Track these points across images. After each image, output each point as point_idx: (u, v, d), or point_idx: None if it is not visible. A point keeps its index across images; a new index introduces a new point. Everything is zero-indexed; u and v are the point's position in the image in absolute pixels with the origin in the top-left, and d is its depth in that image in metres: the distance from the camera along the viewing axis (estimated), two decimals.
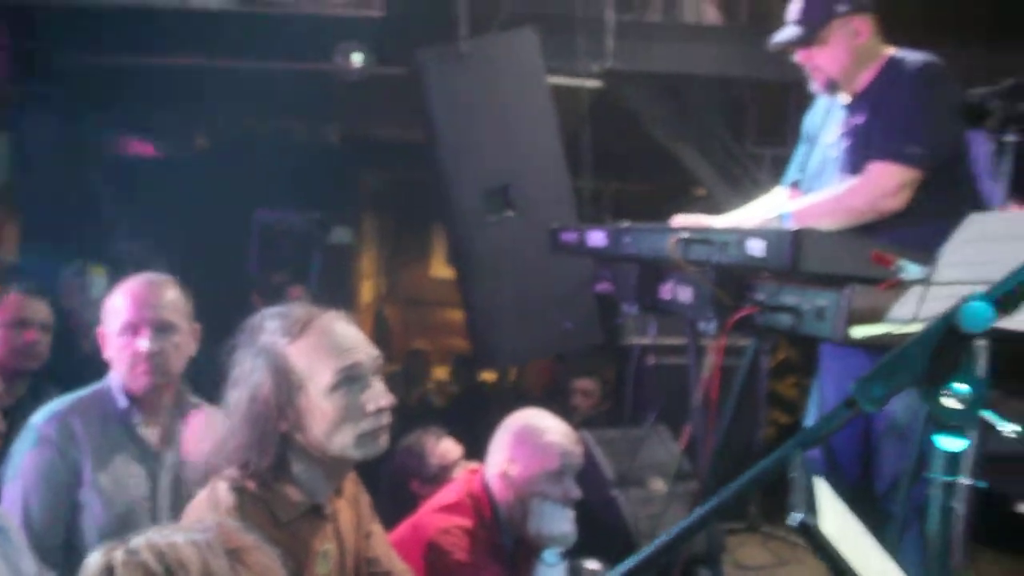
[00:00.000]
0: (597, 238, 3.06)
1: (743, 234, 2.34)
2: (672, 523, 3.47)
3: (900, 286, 1.97)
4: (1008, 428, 1.00)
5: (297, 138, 8.82)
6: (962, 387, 0.89)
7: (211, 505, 2.04)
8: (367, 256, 10.84)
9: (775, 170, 4.62)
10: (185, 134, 7.87)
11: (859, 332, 2.26)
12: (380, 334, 10.34)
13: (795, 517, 0.76)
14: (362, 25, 5.71)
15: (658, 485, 4.04)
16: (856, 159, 3.27)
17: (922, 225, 2.65)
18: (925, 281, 1.91)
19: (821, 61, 3.33)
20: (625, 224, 3.11)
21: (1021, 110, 2.79)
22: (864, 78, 3.33)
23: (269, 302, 2.38)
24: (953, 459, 0.92)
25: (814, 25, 3.30)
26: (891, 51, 3.34)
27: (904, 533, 3.24)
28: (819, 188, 3.40)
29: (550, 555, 3.08)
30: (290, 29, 5.65)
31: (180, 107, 6.77)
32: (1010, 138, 2.79)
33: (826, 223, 3.08)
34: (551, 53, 5.24)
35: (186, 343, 2.74)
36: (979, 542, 4.74)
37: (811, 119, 3.66)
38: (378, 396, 2.14)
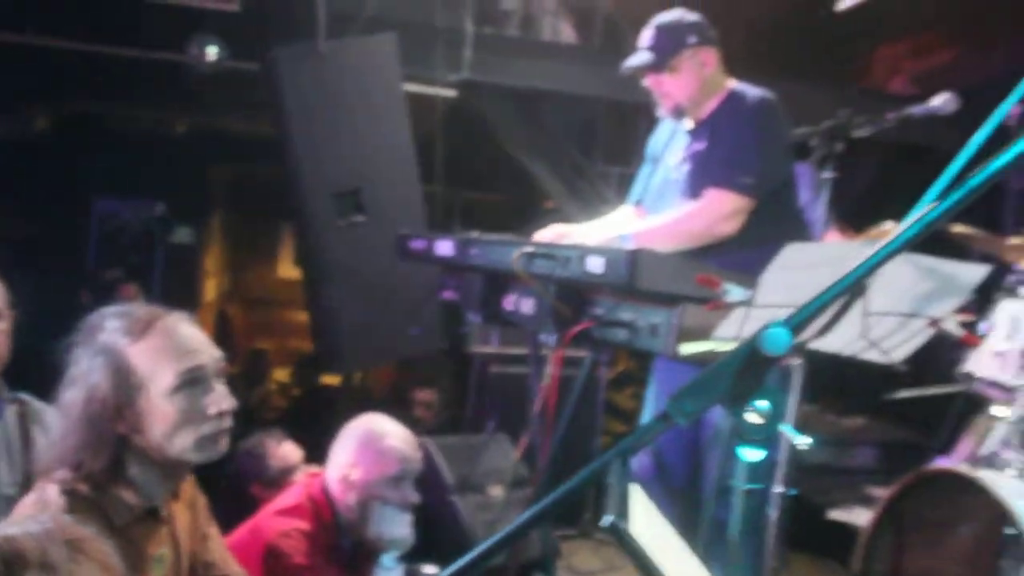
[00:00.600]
0: (445, 247, 3.12)
1: (584, 251, 2.45)
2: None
3: (725, 307, 2.11)
4: (800, 440, 1.11)
5: (144, 126, 8.53)
6: (763, 404, 0.99)
7: (39, 509, 1.98)
8: (212, 253, 10.56)
9: (622, 188, 4.80)
10: (25, 114, 7.48)
11: (687, 349, 2.40)
12: (222, 334, 10.09)
13: (607, 519, 0.83)
14: (218, 17, 5.61)
15: (496, 491, 4.13)
16: (695, 184, 3.46)
17: (751, 250, 2.84)
18: (747, 303, 2.05)
19: (670, 88, 3.53)
20: (473, 235, 3.18)
21: (837, 150, 3.02)
22: (708, 107, 3.55)
23: (99, 299, 2.34)
24: (755, 468, 1.02)
25: (665, 53, 3.49)
26: (733, 83, 3.58)
27: (728, 538, 3.44)
28: (661, 208, 3.57)
29: (388, 559, 3.12)
30: (145, 16, 5.49)
31: (22, 85, 6.45)
32: (827, 175, 3.01)
33: (664, 245, 3.25)
34: (409, 60, 5.27)
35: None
36: (794, 547, 5.05)
37: (655, 141, 3.84)
38: (220, 399, 2.14)
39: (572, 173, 6.03)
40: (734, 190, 3.28)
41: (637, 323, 2.43)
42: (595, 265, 2.35)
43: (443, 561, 3.13)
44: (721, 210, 3.27)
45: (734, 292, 2.11)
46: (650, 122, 3.94)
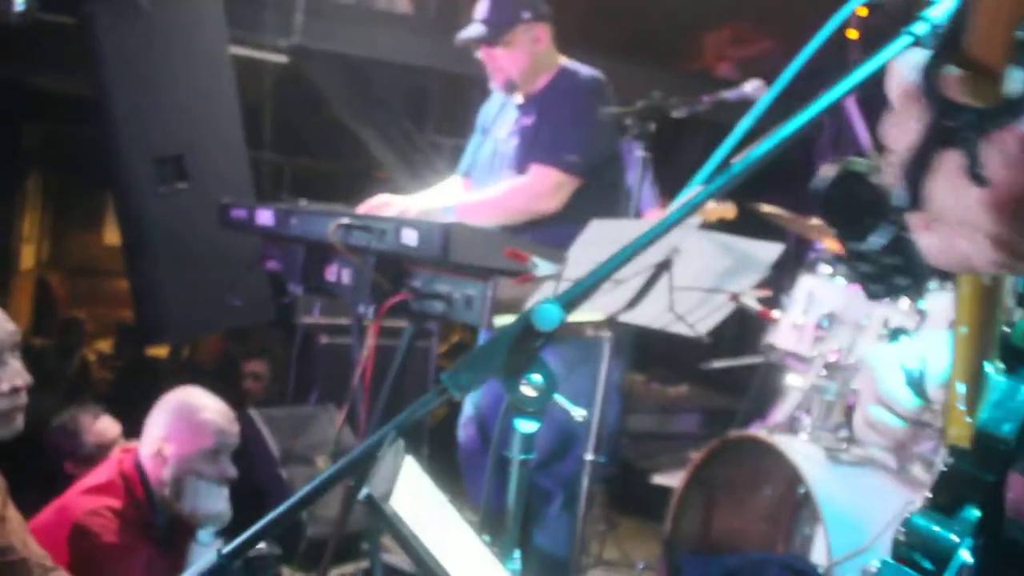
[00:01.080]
0: (265, 217, 3.06)
1: (399, 223, 2.45)
2: (335, 499, 3.56)
3: (534, 281, 2.16)
4: (577, 412, 1.15)
5: None
6: (537, 377, 1.02)
7: None
8: (29, 217, 9.99)
9: (454, 159, 4.80)
10: None
11: (501, 321, 2.44)
12: (42, 304, 9.58)
13: (363, 492, 0.84)
14: None
15: (323, 462, 4.11)
16: (522, 158, 3.51)
17: (573, 225, 2.91)
18: (556, 277, 2.10)
19: (503, 62, 3.57)
20: (297, 204, 3.13)
21: (650, 129, 3.12)
22: (539, 83, 3.60)
23: None
24: (529, 439, 1.05)
25: (499, 27, 3.52)
26: (564, 61, 3.64)
27: (551, 505, 3.53)
28: (489, 180, 3.61)
29: (205, 534, 3.05)
30: None
31: None
32: (640, 153, 3.11)
33: (488, 219, 3.30)
34: (237, 23, 5.09)
35: None
36: (621, 511, 5.24)
37: (485, 112, 3.87)
38: (13, 375, 2.05)
39: (404, 143, 6.00)
40: (558, 167, 3.35)
41: (453, 295, 2.45)
42: (409, 238, 2.35)
43: (271, 535, 3.10)
44: (544, 187, 3.33)
45: (543, 266, 2.16)
46: (483, 94, 3.97)
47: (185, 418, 3.00)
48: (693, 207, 1.01)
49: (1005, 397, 1.00)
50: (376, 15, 6.03)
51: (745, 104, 3.33)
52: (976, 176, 0.52)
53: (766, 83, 3.22)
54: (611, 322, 2.47)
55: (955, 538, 0.97)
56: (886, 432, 1.18)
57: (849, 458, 2.82)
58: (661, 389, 6.82)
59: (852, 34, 6.45)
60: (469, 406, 3.72)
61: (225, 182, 4.66)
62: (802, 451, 2.81)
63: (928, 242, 0.63)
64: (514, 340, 1.03)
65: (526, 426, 1.06)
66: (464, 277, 2.46)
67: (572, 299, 1.06)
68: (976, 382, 1.00)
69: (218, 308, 4.84)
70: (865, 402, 1.20)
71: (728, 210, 4.34)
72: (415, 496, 0.94)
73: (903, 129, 0.58)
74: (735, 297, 2.38)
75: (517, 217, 3.30)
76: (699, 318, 2.44)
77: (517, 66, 3.53)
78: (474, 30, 3.55)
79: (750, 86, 3.19)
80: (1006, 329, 1.05)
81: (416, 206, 3.26)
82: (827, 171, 0.65)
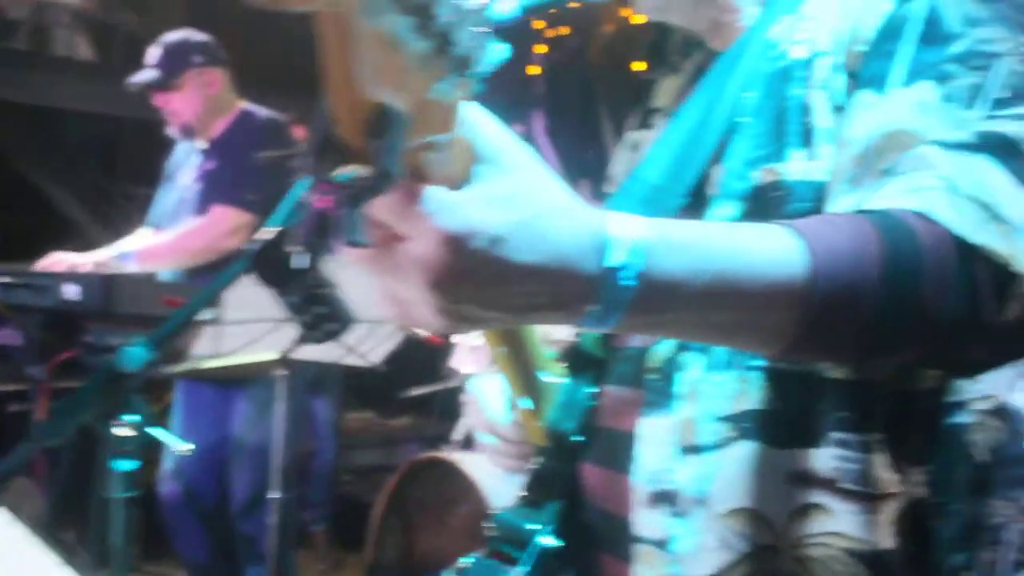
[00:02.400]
0: None
1: (60, 278, 2.41)
2: None
3: (195, 325, 2.19)
4: (181, 447, 1.22)
5: None
6: (132, 417, 1.08)
7: None
8: None
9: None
10: None
11: (179, 369, 2.46)
12: None
13: None
14: None
15: None
16: (204, 203, 3.51)
17: None
18: (216, 321, 2.15)
19: (176, 106, 3.58)
20: None
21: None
22: (218, 127, 3.62)
23: None
24: (129, 477, 1.11)
25: (170, 71, 3.53)
26: (244, 104, 3.68)
27: (257, 544, 3.51)
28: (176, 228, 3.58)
29: None
30: None
31: None
32: None
33: (170, 262, 3.27)
34: None
35: None
36: (348, 548, 5.23)
37: (172, 161, 3.85)
38: None
39: (94, 195, 5.77)
40: (238, 206, 3.38)
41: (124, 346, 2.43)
42: (71, 292, 2.32)
43: None
44: (224, 226, 3.36)
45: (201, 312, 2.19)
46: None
47: None
48: (264, 246, 1.11)
49: (568, 398, 1.16)
50: (55, 62, 5.78)
51: None
52: (350, 241, 0.60)
53: None
54: (285, 359, 2.54)
55: (535, 526, 1.09)
56: (502, 452, 1.31)
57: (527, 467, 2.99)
58: (382, 423, 6.90)
59: (534, 70, 6.92)
60: (169, 460, 3.64)
61: None
62: (481, 465, 2.98)
63: (390, 310, 0.74)
64: (104, 384, 1.09)
65: (124, 465, 1.11)
66: (134, 328, 2.45)
67: (158, 340, 1.13)
68: (532, 389, 1.14)
69: None
70: (480, 430, 1.32)
71: None
72: (8, 544, 0.97)
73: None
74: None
75: (198, 258, 3.30)
76: (370, 348, 2.55)
77: (191, 110, 3.55)
78: (146, 75, 3.55)
79: None
80: (574, 339, 1.21)
81: (91, 260, 3.18)
82: (261, 236, 0.74)
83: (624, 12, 5.73)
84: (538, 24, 6.20)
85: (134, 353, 1.04)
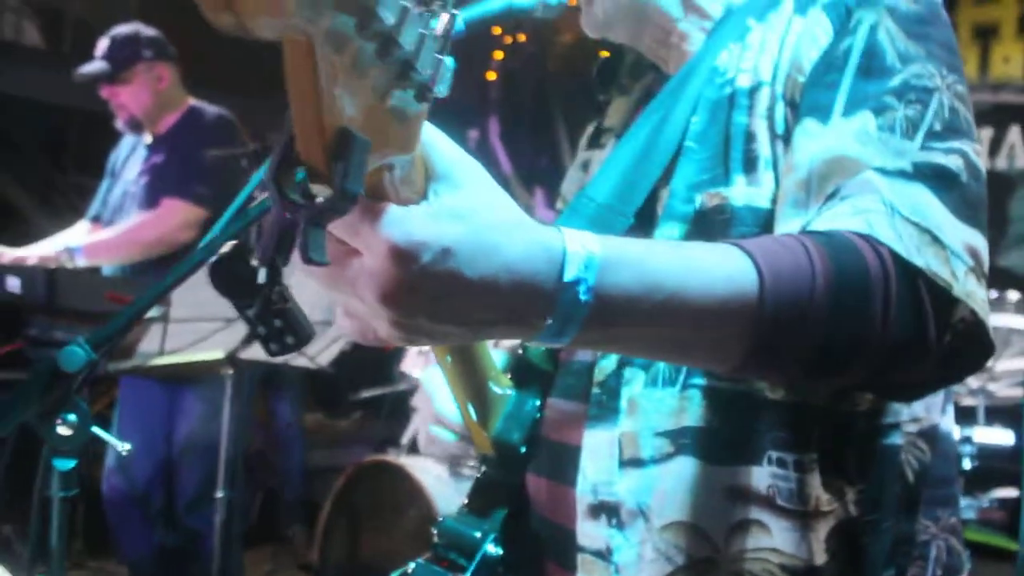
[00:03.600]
0: None
1: (3, 270, 2.37)
2: None
3: (142, 323, 2.17)
4: (120, 446, 1.21)
5: None
6: (71, 416, 1.07)
7: None
8: None
9: None
10: None
11: (123, 365, 2.43)
12: None
13: None
14: None
15: None
16: (152, 197, 3.48)
17: None
18: (163, 319, 2.13)
19: (124, 99, 3.54)
20: None
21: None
22: (166, 121, 3.60)
23: None
24: (69, 476, 1.10)
25: (119, 64, 3.49)
26: (193, 101, 3.66)
27: (203, 546, 3.48)
28: (121, 222, 3.53)
29: None
30: None
31: None
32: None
33: (120, 256, 3.24)
34: None
35: None
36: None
37: (116, 155, 3.81)
38: None
39: (41, 185, 5.66)
40: (188, 200, 3.36)
41: (68, 341, 2.40)
42: (13, 284, 2.29)
43: None
44: (175, 219, 3.33)
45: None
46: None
47: None
48: (209, 251, 1.11)
49: (515, 409, 1.17)
50: (2, 46, 5.66)
51: None
52: (308, 259, 0.61)
53: None
54: (232, 359, 2.52)
55: (480, 534, 1.10)
56: (444, 447, 1.31)
57: (470, 472, 3.03)
58: (333, 424, 6.88)
59: (491, 76, 6.94)
60: (111, 457, 3.60)
61: None
62: (429, 470, 2.99)
63: (348, 325, 0.75)
64: (44, 383, 1.08)
65: (64, 464, 1.10)
66: (79, 323, 2.43)
67: (101, 340, 1.12)
68: (479, 397, 1.15)
69: None
70: (424, 420, 1.33)
71: None
72: None
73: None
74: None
75: (148, 252, 3.27)
76: (318, 350, 2.55)
77: (139, 104, 3.53)
78: (94, 66, 3.51)
79: None
80: (519, 351, 1.22)
81: (35, 253, 3.13)
82: (223, 249, 0.74)
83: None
84: (496, 30, 6.21)
85: (75, 353, 1.03)
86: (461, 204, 0.70)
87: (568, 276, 0.74)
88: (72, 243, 3.25)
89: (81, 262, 3.13)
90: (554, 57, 6.54)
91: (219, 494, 2.64)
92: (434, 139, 0.71)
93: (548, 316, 0.74)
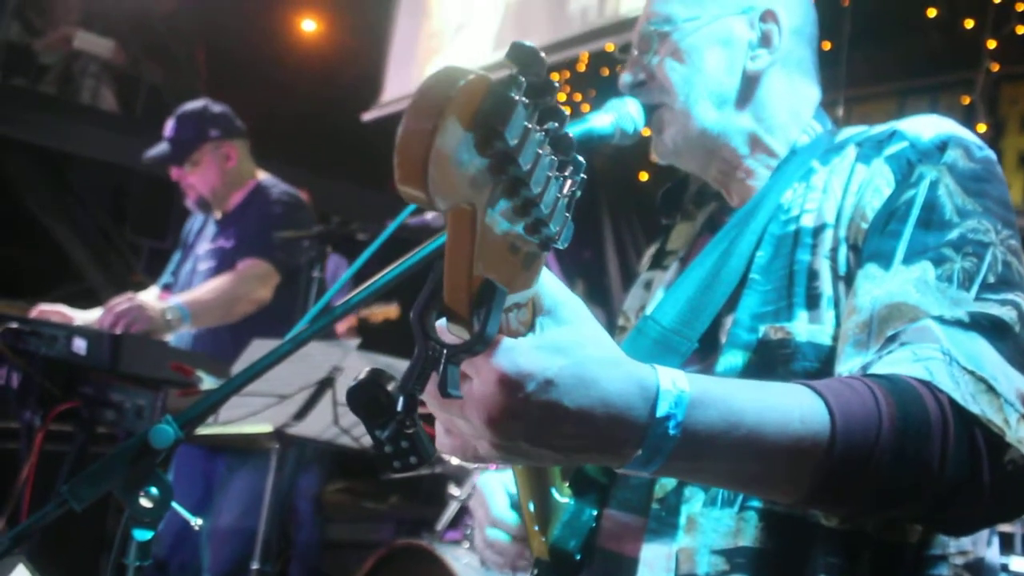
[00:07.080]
0: None
1: (70, 331, 2.45)
2: None
3: (197, 394, 2.23)
4: (194, 521, 1.26)
5: None
6: (154, 490, 1.13)
7: None
8: None
9: (152, 262, 4.74)
10: None
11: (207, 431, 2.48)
12: None
13: None
14: None
15: None
16: (223, 271, 3.46)
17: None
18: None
19: (192, 180, 3.47)
20: None
21: (327, 251, 3.24)
22: (234, 199, 3.53)
23: None
24: (145, 547, 1.15)
25: (185, 146, 3.42)
26: (262, 176, 3.59)
27: None
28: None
29: None
30: None
31: None
32: (316, 274, 3.19)
33: (215, 310, 3.21)
34: None
35: None
36: None
37: (189, 227, 3.72)
38: None
39: (99, 240, 5.82)
40: (265, 258, 3.33)
41: (124, 404, 2.47)
42: (79, 346, 2.37)
43: None
44: (255, 272, 3.30)
45: (207, 380, 2.24)
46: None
47: None
48: (297, 343, 1.18)
49: (572, 517, 1.22)
50: (79, 109, 5.89)
51: (428, 230, 3.56)
52: (446, 394, 0.68)
53: None
54: (279, 434, 2.57)
55: None
56: (502, 549, 1.35)
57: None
58: (360, 501, 6.87)
59: None
60: None
61: None
62: (462, 559, 2.98)
63: (449, 443, 0.82)
64: (132, 456, 1.14)
65: (143, 535, 1.16)
66: (136, 387, 2.49)
67: (190, 419, 1.19)
68: (541, 503, 1.20)
69: None
70: (481, 523, 1.37)
71: (391, 311, 4.58)
72: None
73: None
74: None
75: (238, 305, 3.23)
76: (364, 432, 2.58)
77: (207, 184, 3.48)
78: (159, 149, 3.47)
79: (431, 213, 3.40)
80: None
81: (83, 317, 3.15)
82: (360, 375, 0.83)
83: None
84: None
85: (164, 431, 1.10)
86: (565, 339, 0.76)
87: (660, 412, 0.79)
88: (171, 303, 3.13)
89: (186, 325, 3.08)
90: (601, 156, 6.67)
91: (255, 566, 2.67)
92: (543, 278, 0.77)
93: (639, 448, 0.79)
